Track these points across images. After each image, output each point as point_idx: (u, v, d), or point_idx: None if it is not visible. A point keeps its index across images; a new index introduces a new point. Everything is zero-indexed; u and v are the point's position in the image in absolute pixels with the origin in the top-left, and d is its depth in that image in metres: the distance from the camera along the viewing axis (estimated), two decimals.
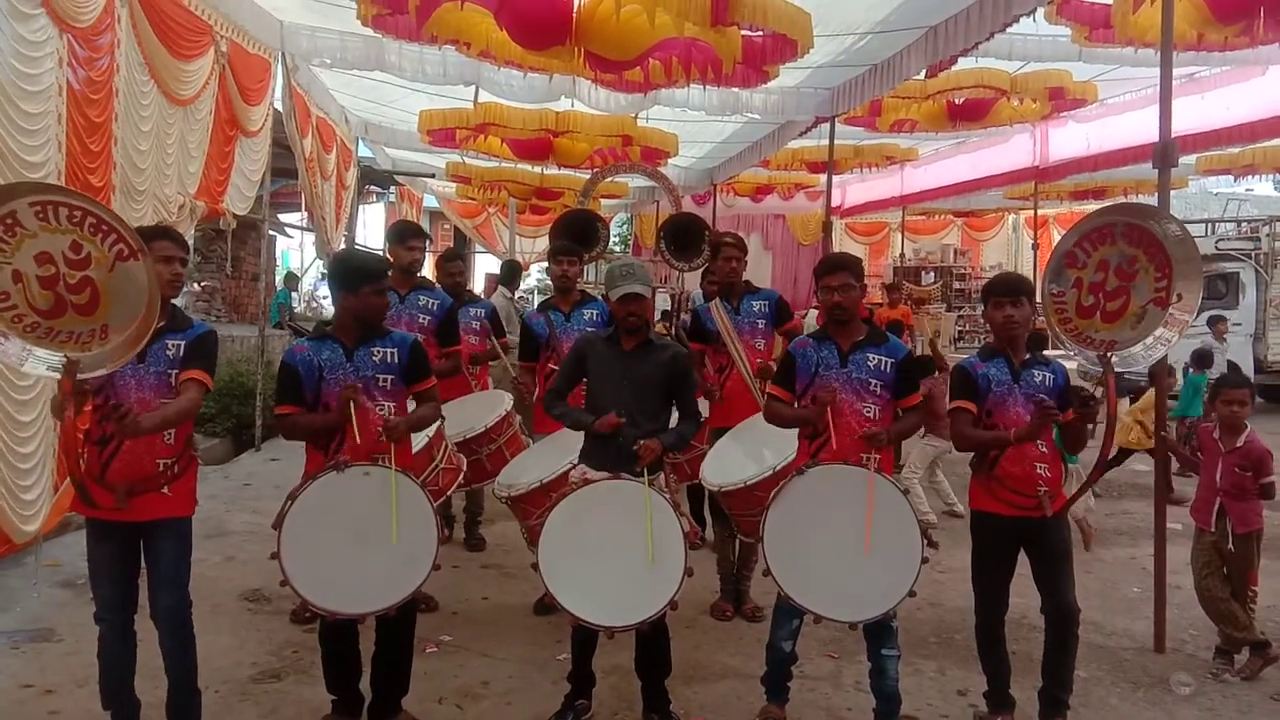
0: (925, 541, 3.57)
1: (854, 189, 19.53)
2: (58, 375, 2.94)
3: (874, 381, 3.81)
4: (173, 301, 3.47)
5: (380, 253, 6.22)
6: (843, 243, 21.45)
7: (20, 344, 2.89)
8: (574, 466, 4.00)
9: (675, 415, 4.02)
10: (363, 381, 3.57)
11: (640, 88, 7.68)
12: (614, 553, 3.55)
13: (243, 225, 12.04)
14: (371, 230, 19.91)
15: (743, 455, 4.63)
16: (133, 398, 3.29)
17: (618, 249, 24.18)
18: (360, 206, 20.12)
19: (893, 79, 7.88)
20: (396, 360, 3.64)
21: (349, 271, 3.58)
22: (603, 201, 17.63)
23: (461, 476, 4.85)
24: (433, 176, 15.66)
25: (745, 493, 4.31)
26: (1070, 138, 13.05)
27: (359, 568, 3.43)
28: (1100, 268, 3.38)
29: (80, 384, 3.05)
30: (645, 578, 3.50)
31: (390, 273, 4.02)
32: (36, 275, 2.83)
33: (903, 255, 20.07)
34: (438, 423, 4.55)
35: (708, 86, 8.73)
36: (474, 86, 9.16)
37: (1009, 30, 7.91)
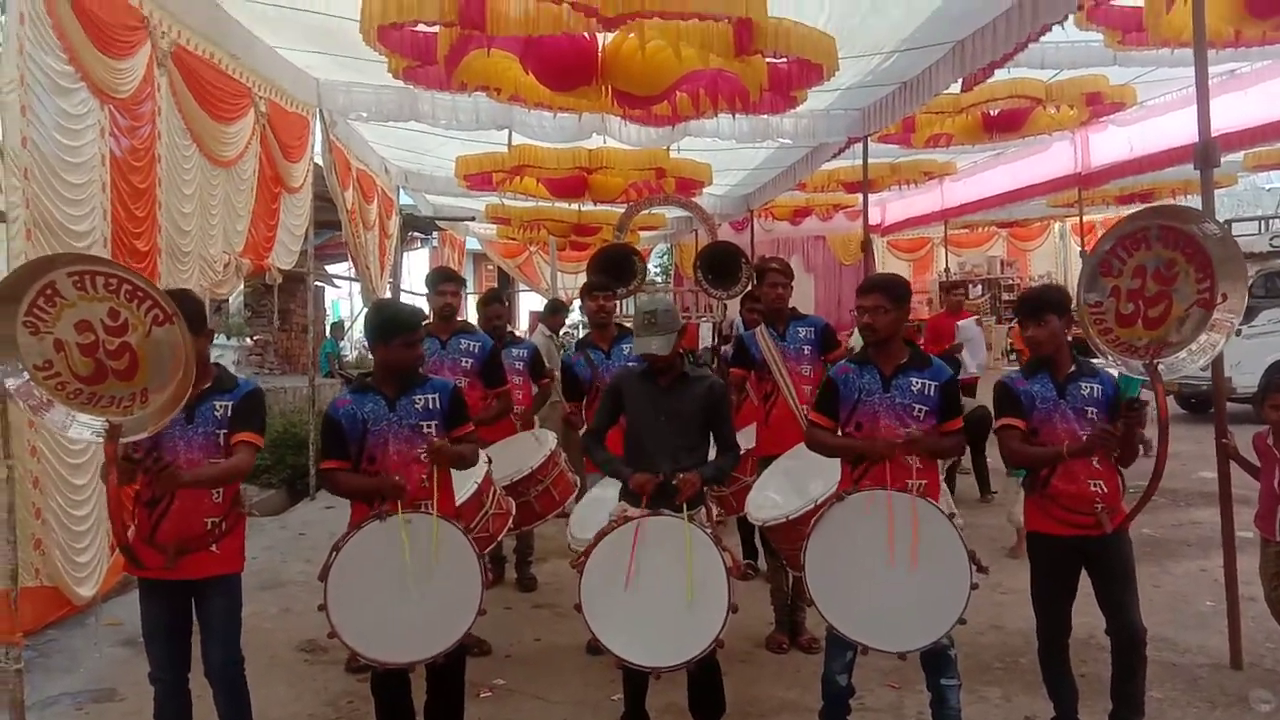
0: (974, 567, 3.48)
1: (894, 206, 19.38)
2: (100, 440, 3.01)
3: (918, 406, 3.74)
4: (218, 361, 3.54)
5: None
6: (885, 260, 21.26)
7: (64, 410, 2.96)
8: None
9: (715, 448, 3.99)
10: (407, 429, 3.60)
11: (669, 121, 7.74)
12: (656, 591, 3.51)
13: (290, 279, 12.32)
14: (416, 276, 20.17)
15: (789, 485, 4.57)
16: (181, 459, 3.35)
17: (659, 280, 24.24)
18: (405, 254, 20.54)
19: (923, 95, 7.82)
20: (438, 406, 3.67)
21: (381, 324, 3.62)
22: (641, 234, 17.72)
23: (511, 520, 4.85)
24: (473, 219, 15.86)
25: (789, 526, 4.24)
26: (1112, 142, 12.82)
27: (405, 616, 3.44)
28: (1137, 274, 3.29)
29: (127, 449, 3.12)
30: (689, 616, 3.45)
31: (427, 321, 4.06)
32: (77, 343, 2.91)
33: (947, 269, 19.78)
34: (486, 468, 4.58)
35: (737, 115, 8.81)
36: (507, 130, 9.31)
37: (1045, 40, 7.88)
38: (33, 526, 4.41)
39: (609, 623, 3.48)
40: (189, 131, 6.15)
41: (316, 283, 13.27)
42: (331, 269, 15.58)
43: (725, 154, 10.81)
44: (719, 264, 7.64)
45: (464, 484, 4.32)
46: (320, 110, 8.89)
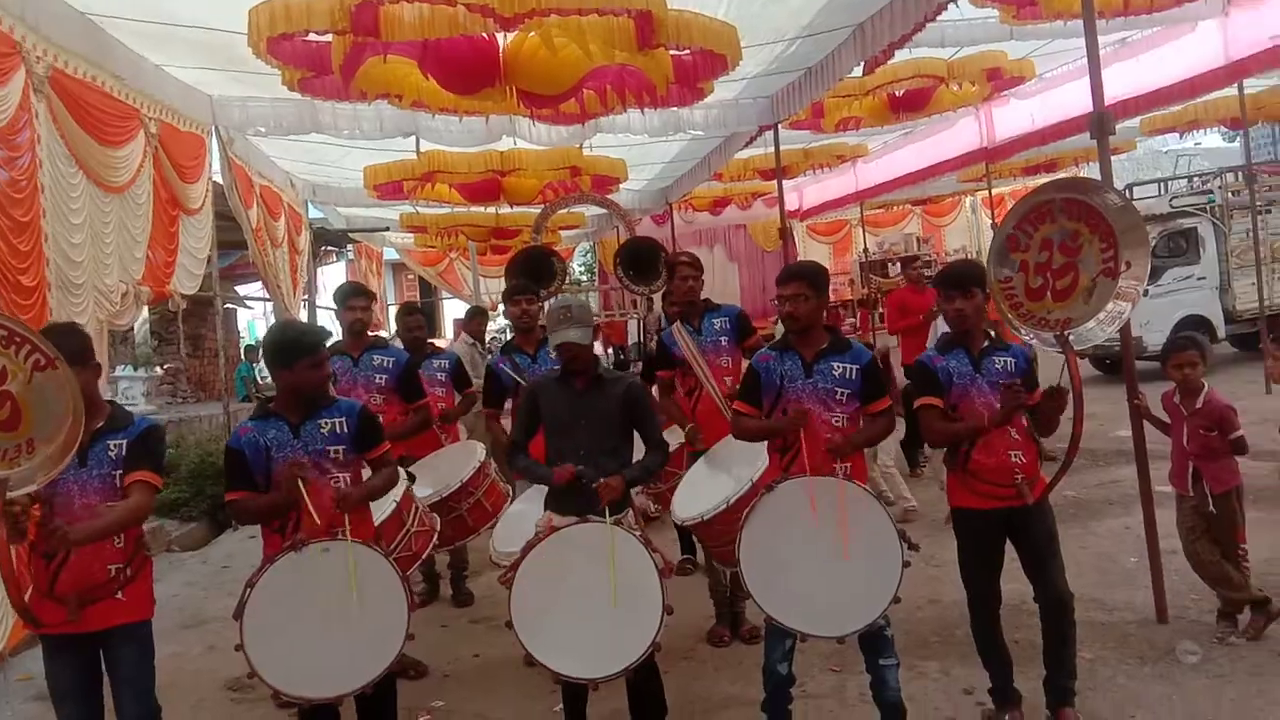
0: (905, 545, 3.49)
1: (810, 191, 19.59)
2: None
3: (840, 390, 3.75)
4: (112, 400, 3.36)
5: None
6: (805, 244, 21.48)
7: None
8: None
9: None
10: (313, 455, 3.47)
11: (578, 119, 7.66)
12: (588, 600, 3.45)
13: (198, 303, 11.93)
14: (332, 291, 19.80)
15: (713, 481, 4.54)
16: (76, 504, 3.18)
17: (584, 279, 24.14)
18: (320, 268, 20.07)
19: (829, 79, 7.89)
20: (346, 430, 3.54)
21: (281, 347, 3.47)
22: (562, 234, 17.62)
23: (436, 537, 4.73)
24: (387, 229, 15.57)
25: (707, 525, 4.22)
26: (1014, 116, 13.12)
27: (328, 649, 3.31)
28: (1044, 247, 3.32)
29: (13, 502, 2.93)
30: (622, 622, 3.40)
31: (335, 341, 3.92)
32: None
33: (866, 250, 20.06)
34: (405, 485, 4.46)
35: (646, 110, 8.77)
36: (413, 137, 9.13)
37: (942, 19, 7.99)
38: None
39: (542, 637, 3.41)
40: (74, 158, 5.88)
41: (227, 305, 12.86)
42: (243, 289, 15.14)
43: (639, 149, 10.77)
44: (638, 260, 7.62)
45: (383, 504, 4.20)
46: (216, 127, 8.61)
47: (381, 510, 4.20)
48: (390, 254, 20.38)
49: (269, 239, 10.53)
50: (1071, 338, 3.40)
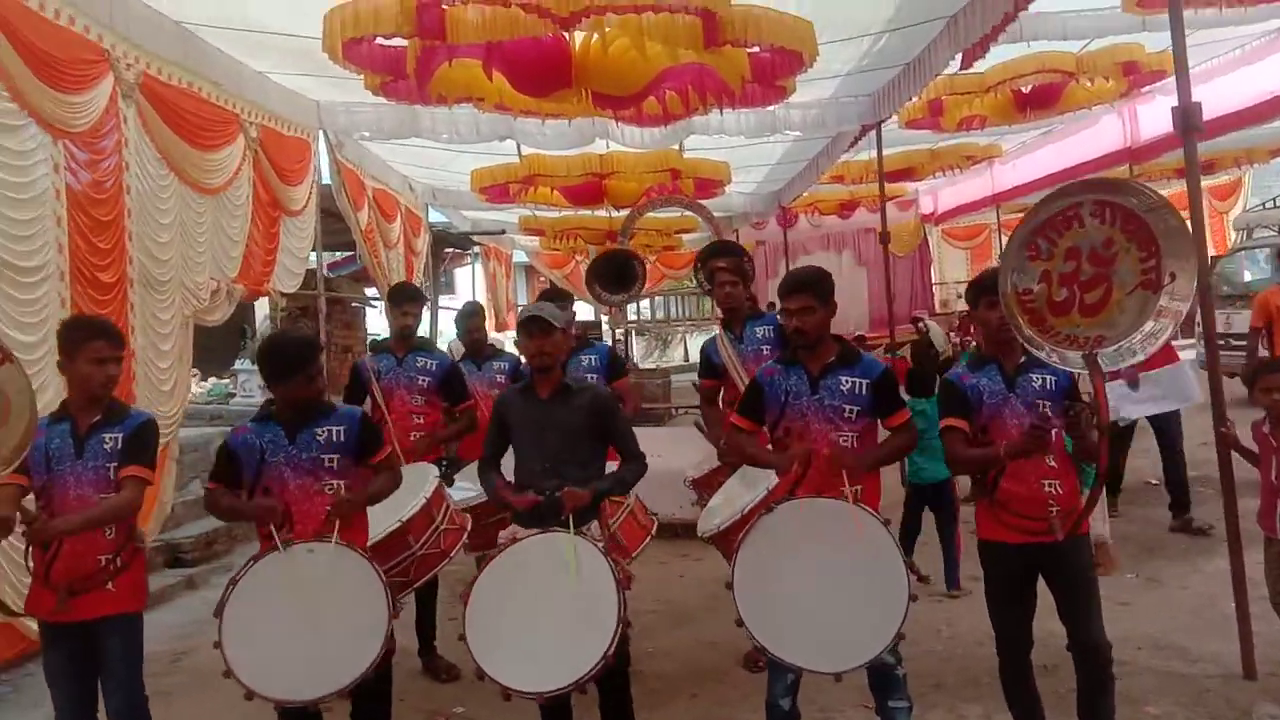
0: (915, 577, 3.19)
1: (945, 194, 18.78)
2: None
3: (847, 407, 3.49)
4: (110, 393, 3.46)
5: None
6: (941, 249, 20.69)
7: None
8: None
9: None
10: (308, 462, 3.49)
11: (660, 120, 7.53)
12: (543, 611, 3.32)
13: (329, 302, 12.46)
14: (467, 291, 20.23)
15: (740, 493, 4.32)
16: (71, 495, 3.28)
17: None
18: (453, 270, 20.65)
19: (926, 74, 7.46)
20: (343, 438, 3.53)
21: (272, 364, 3.49)
22: (683, 238, 17.49)
23: (466, 537, 4.68)
24: (503, 233, 15.84)
25: (724, 538, 4.00)
26: (1161, 113, 12.07)
27: (307, 651, 3.29)
28: (1070, 256, 2.96)
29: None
30: (577, 634, 3.24)
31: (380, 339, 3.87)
32: None
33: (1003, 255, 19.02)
34: (435, 483, 4.42)
35: (741, 111, 8.56)
36: (511, 141, 9.20)
37: (1060, 10, 7.46)
38: None
39: (495, 650, 3.27)
40: (165, 161, 6.17)
41: (354, 303, 13.36)
42: (372, 290, 15.71)
43: (742, 151, 10.52)
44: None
45: (410, 500, 4.18)
46: (324, 132, 8.93)
47: (409, 507, 4.18)
48: (520, 256, 20.76)
49: (381, 240, 10.86)
50: (1102, 359, 3.00)
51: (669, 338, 29.12)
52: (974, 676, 4.48)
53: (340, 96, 8.46)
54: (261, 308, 11.80)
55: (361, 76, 6.63)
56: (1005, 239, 19.29)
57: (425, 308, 5.54)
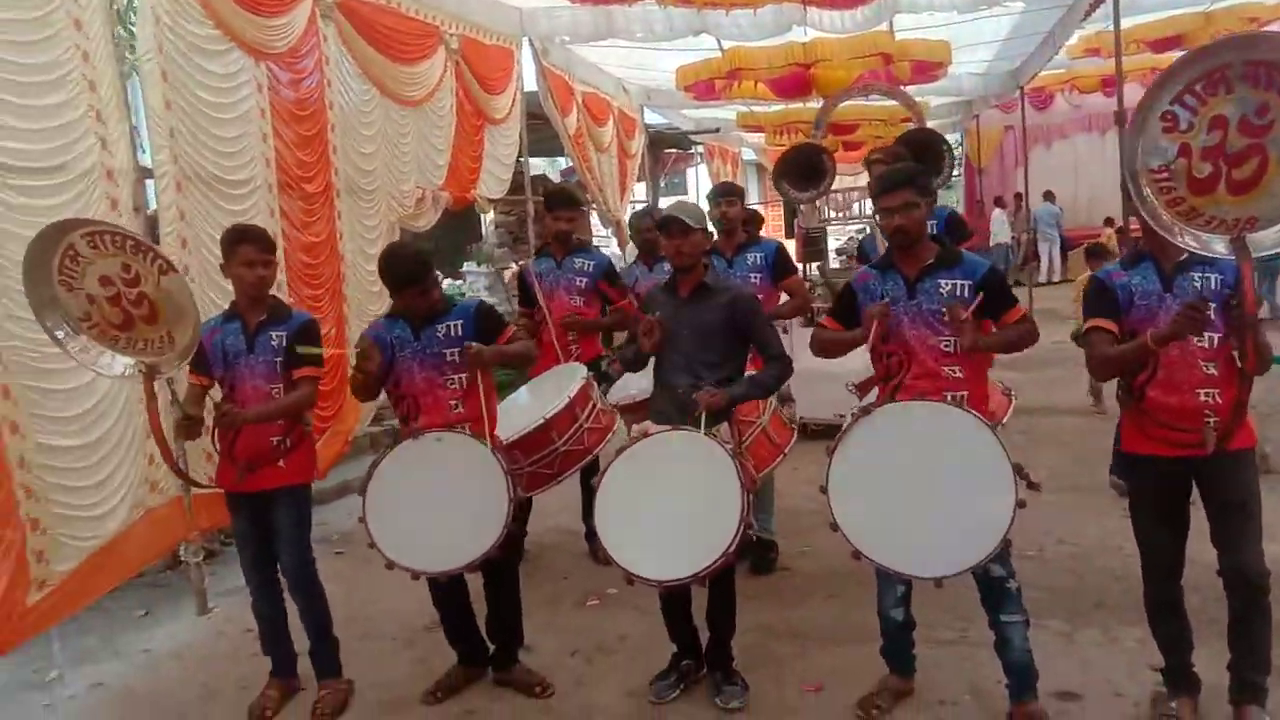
0: (1022, 483, 2.98)
1: None
2: (137, 375, 3.38)
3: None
4: (272, 293, 3.83)
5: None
6: None
7: (110, 355, 3.34)
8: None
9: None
10: (431, 357, 3.73)
11: (849, 2, 7.11)
12: (667, 505, 3.39)
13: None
14: (694, 193, 20.27)
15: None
16: (248, 385, 3.70)
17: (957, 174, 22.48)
18: (685, 170, 20.70)
19: None
20: (461, 332, 3.73)
21: (391, 280, 3.69)
22: (913, 126, 16.50)
23: (611, 435, 4.82)
24: (717, 130, 15.62)
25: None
26: None
27: (435, 530, 3.59)
28: (1215, 125, 2.52)
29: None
30: (701, 531, 3.29)
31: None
32: (104, 296, 3.25)
33: None
34: (582, 380, 4.57)
35: None
36: (708, 36, 9.02)
37: None
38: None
39: (622, 537, 3.40)
40: (365, 76, 6.58)
41: (584, 207, 13.76)
42: None
43: (963, 28, 9.72)
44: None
45: (554, 398, 4.37)
46: (528, 39, 9.14)
47: (553, 405, 4.37)
48: (748, 154, 20.46)
49: (593, 144, 11.05)
50: (1253, 244, 2.58)
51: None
52: (1136, 600, 4.12)
53: (542, 2, 8.62)
54: (490, 213, 12.42)
55: None
56: None
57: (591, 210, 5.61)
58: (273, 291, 3.85)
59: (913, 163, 4.05)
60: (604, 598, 4.77)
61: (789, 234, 12.26)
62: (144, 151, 4.90)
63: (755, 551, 5.07)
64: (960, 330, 3.13)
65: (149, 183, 4.86)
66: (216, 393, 3.80)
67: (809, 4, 7.28)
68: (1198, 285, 3.01)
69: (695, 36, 8.83)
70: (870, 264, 3.59)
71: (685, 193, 20.77)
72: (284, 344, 3.73)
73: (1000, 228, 18.03)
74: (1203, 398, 2.98)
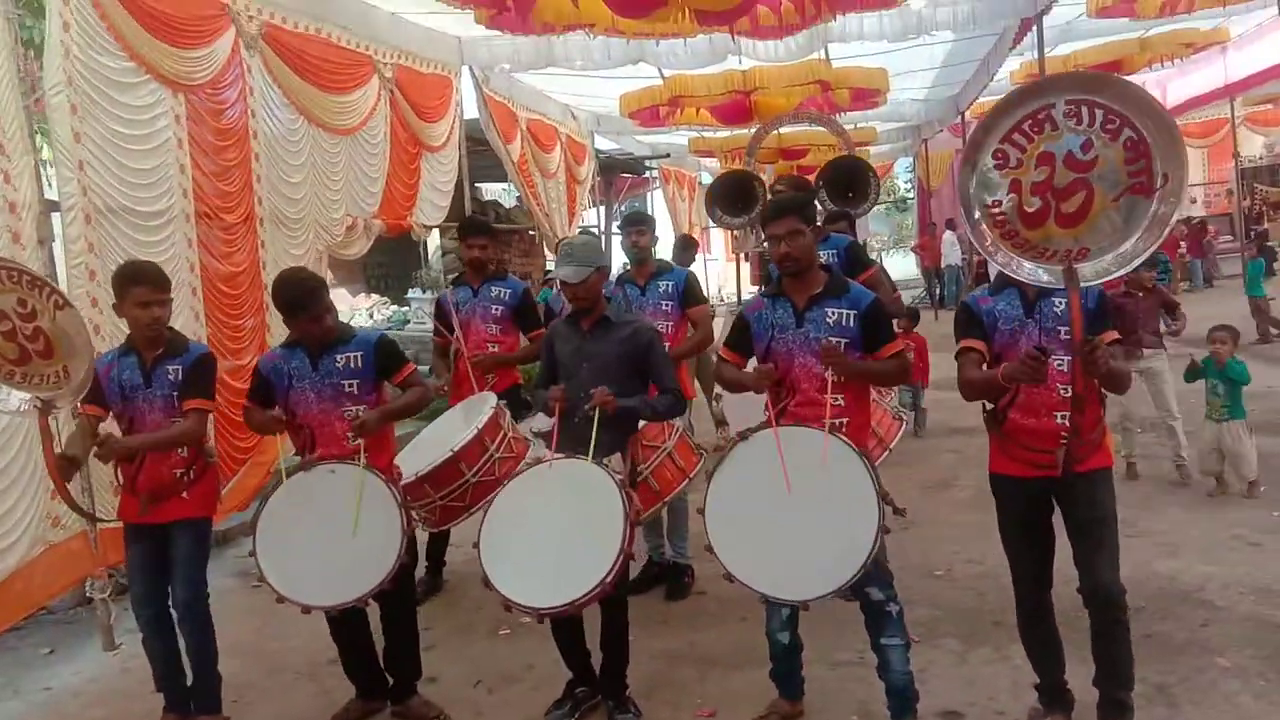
0: (889, 509, 3.04)
1: (1174, 86, 16.76)
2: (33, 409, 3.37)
3: (835, 339, 3.32)
4: (170, 326, 3.84)
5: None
6: None
7: (5, 390, 3.33)
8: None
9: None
10: (329, 387, 3.73)
11: (778, 32, 7.24)
12: (554, 533, 3.42)
13: (508, 231, 12.94)
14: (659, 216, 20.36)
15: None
16: (147, 419, 3.70)
17: (909, 196, 22.80)
18: (645, 195, 20.80)
19: None
20: (360, 364, 3.75)
21: (282, 306, 3.71)
22: (870, 150, 16.71)
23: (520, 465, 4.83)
24: (667, 156, 15.78)
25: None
26: None
27: (327, 562, 3.57)
28: (1043, 162, 2.61)
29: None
30: (583, 560, 3.31)
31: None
32: (0, 331, 3.25)
33: (1236, 155, 16.63)
34: (491, 410, 4.59)
35: (880, 14, 8.06)
36: (645, 64, 9.13)
37: None
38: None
39: (504, 564, 3.40)
40: (293, 105, 6.61)
41: (530, 233, 13.84)
42: None
43: (899, 55, 9.91)
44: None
45: (464, 430, 4.39)
46: (468, 68, 9.21)
47: (461, 437, 4.38)
48: (706, 178, 20.61)
49: (538, 170, 11.13)
50: (1083, 272, 2.65)
51: None
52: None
53: (482, 31, 8.69)
54: (434, 239, 12.44)
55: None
56: (1234, 136, 17.07)
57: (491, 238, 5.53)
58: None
59: (798, 192, 4.14)
60: (516, 627, 4.77)
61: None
62: (50, 186, 4.90)
63: (670, 576, 5.12)
64: (826, 354, 3.22)
65: (55, 215, 4.85)
66: (111, 425, 3.80)
67: (736, 34, 7.38)
68: (1058, 310, 3.10)
69: (634, 65, 8.94)
70: (762, 292, 3.68)
71: (610, 218, 20.81)
72: (179, 378, 3.73)
73: (951, 249, 18.27)
74: (1059, 420, 3.07)
